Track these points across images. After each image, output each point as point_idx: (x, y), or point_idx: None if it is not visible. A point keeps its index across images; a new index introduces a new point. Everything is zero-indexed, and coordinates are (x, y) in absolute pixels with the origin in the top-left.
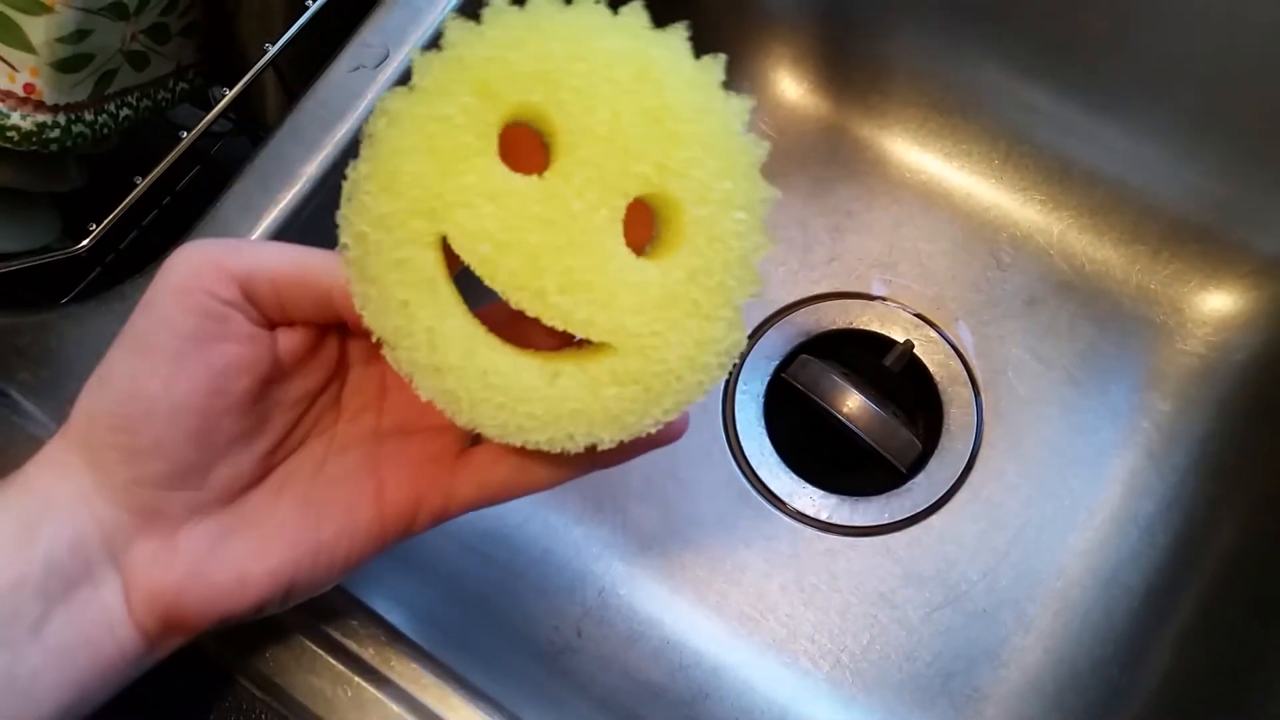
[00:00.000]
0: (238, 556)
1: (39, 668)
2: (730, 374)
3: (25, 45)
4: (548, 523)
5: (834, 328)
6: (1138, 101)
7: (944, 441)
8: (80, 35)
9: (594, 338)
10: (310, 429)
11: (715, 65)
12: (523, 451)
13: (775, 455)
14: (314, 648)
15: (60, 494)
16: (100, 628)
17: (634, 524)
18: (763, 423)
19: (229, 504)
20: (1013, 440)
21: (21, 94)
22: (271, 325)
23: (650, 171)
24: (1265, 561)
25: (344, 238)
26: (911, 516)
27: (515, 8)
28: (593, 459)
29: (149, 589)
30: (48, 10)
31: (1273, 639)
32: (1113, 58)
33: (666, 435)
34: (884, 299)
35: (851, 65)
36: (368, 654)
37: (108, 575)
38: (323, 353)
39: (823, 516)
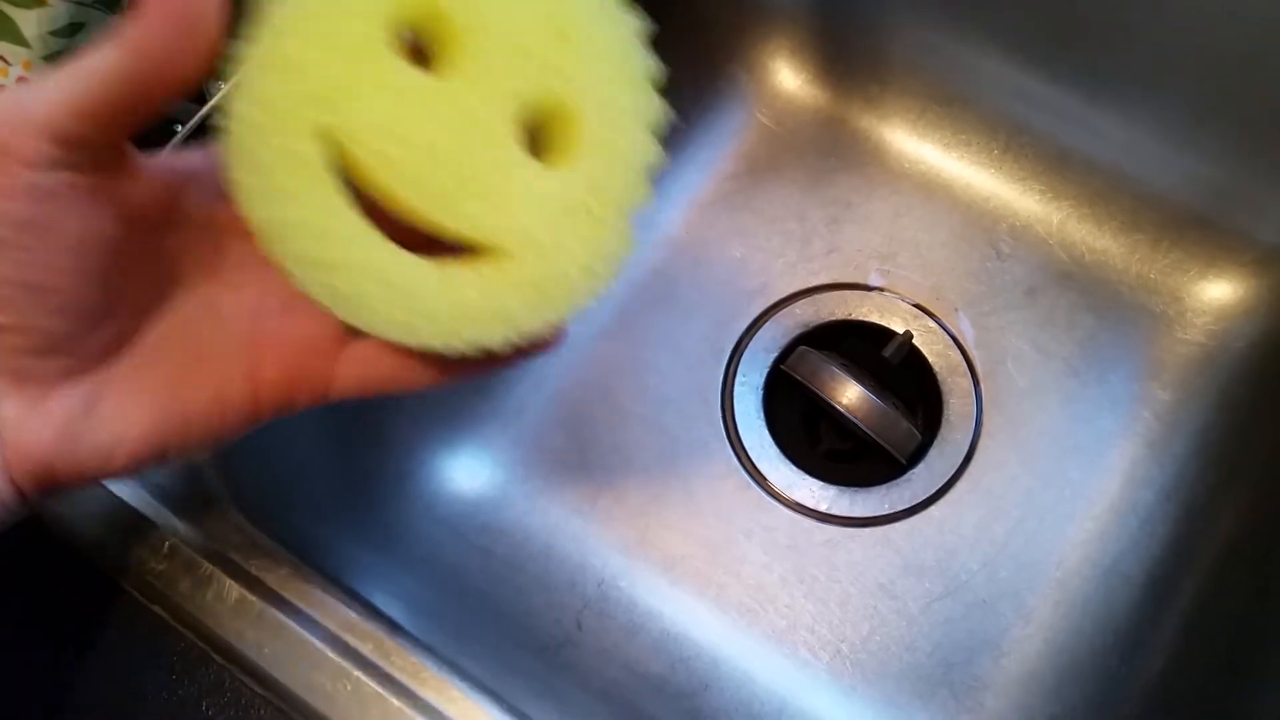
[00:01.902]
0: (107, 421)
1: None
2: (729, 365)
3: (18, 38)
4: (546, 515)
5: (833, 319)
6: (1136, 90)
7: (943, 432)
8: (73, 28)
9: (494, 242)
10: (185, 286)
11: None
12: (408, 350)
13: (775, 447)
14: (314, 642)
15: None
16: None
17: (633, 516)
18: (762, 414)
19: (104, 365)
20: (1012, 430)
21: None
22: (115, 162)
23: (550, 78)
24: (1265, 551)
25: (225, 120)
26: (911, 507)
27: None
28: (475, 363)
29: (20, 448)
30: (40, 4)
31: (1273, 629)
32: (1111, 47)
33: (546, 343)
34: (883, 290)
35: (850, 56)
36: (367, 648)
37: None
38: (183, 208)
39: (822, 508)
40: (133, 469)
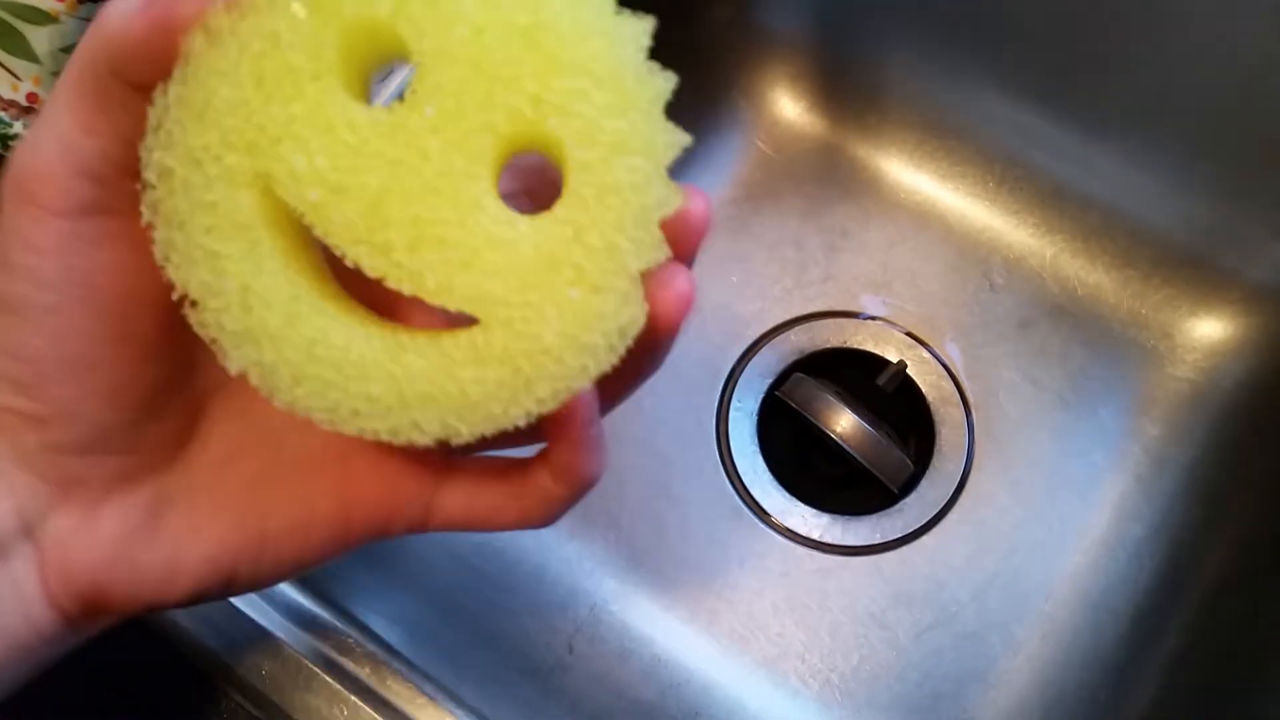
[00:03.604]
0: (171, 536)
1: None
2: (725, 390)
3: (29, 54)
4: (539, 537)
5: (828, 346)
6: (1131, 128)
7: (935, 462)
8: None
9: (450, 306)
10: None
11: None
12: (509, 476)
13: (768, 473)
14: (310, 665)
15: None
16: (9, 604)
17: (626, 540)
18: (756, 440)
19: (166, 466)
20: (1003, 462)
21: (25, 103)
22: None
23: (523, 103)
24: (1253, 588)
25: (147, 174)
26: (903, 537)
27: None
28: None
29: (66, 568)
30: (51, 20)
31: (1260, 664)
32: (1107, 84)
33: (577, 425)
34: (878, 318)
35: (849, 85)
36: (364, 672)
37: (21, 548)
38: None
39: (815, 535)
40: (194, 595)
